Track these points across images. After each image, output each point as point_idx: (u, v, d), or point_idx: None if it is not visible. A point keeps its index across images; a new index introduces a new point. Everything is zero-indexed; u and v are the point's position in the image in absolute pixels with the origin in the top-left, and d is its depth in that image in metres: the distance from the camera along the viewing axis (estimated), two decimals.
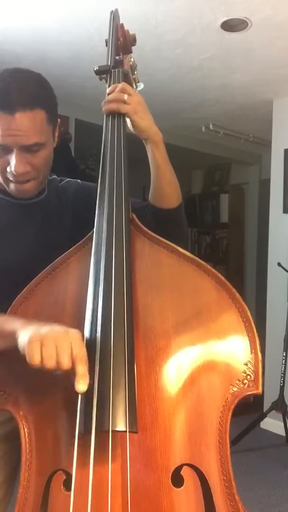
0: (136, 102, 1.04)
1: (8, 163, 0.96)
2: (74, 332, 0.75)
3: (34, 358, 0.71)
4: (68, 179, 1.21)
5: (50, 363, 0.71)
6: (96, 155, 3.91)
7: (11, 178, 0.99)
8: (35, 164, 0.97)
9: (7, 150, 0.95)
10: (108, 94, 1.06)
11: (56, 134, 1.05)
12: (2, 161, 0.96)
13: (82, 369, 0.71)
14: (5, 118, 0.91)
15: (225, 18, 2.30)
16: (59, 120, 1.05)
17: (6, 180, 1.00)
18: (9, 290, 0.90)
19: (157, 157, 1.07)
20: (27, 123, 0.92)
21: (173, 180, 1.11)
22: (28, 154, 0.95)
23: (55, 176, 1.19)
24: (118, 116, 1.04)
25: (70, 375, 0.72)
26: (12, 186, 1.01)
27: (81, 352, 0.73)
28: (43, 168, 1.01)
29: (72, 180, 1.21)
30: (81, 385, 0.71)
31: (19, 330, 0.78)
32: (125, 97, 1.02)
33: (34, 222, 1.08)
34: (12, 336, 0.79)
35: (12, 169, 0.95)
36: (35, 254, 1.04)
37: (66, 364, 0.71)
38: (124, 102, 1.03)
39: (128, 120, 1.05)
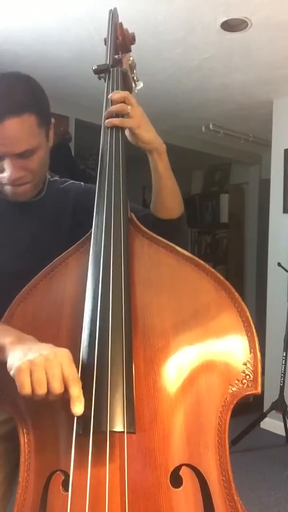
0: (139, 114, 1.02)
1: (2, 170, 0.95)
2: (63, 353, 0.72)
3: (25, 388, 0.68)
4: (71, 181, 1.19)
5: (40, 391, 0.68)
6: (96, 155, 3.91)
7: (6, 183, 0.98)
8: (30, 168, 0.97)
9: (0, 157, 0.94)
10: (111, 99, 1.01)
11: (51, 134, 1.03)
12: None
13: (76, 391, 0.70)
14: None
15: (225, 18, 2.30)
16: (53, 120, 1.03)
17: (1, 185, 1.00)
18: (6, 290, 0.90)
19: (160, 168, 1.06)
20: (16, 130, 0.90)
21: (176, 190, 1.10)
22: (21, 159, 0.94)
23: (57, 178, 1.18)
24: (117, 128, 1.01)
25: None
26: (8, 189, 1.00)
27: (72, 373, 0.70)
28: (38, 170, 0.99)
29: (76, 182, 1.20)
30: (78, 407, 0.69)
31: (7, 349, 0.76)
32: (129, 109, 1.00)
33: (31, 222, 1.08)
34: (1, 352, 0.78)
35: (6, 176, 0.95)
36: (31, 254, 1.03)
37: (57, 388, 0.69)
38: (127, 114, 1.00)
39: (127, 131, 1.02)
